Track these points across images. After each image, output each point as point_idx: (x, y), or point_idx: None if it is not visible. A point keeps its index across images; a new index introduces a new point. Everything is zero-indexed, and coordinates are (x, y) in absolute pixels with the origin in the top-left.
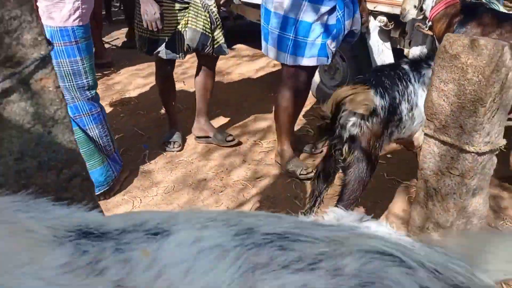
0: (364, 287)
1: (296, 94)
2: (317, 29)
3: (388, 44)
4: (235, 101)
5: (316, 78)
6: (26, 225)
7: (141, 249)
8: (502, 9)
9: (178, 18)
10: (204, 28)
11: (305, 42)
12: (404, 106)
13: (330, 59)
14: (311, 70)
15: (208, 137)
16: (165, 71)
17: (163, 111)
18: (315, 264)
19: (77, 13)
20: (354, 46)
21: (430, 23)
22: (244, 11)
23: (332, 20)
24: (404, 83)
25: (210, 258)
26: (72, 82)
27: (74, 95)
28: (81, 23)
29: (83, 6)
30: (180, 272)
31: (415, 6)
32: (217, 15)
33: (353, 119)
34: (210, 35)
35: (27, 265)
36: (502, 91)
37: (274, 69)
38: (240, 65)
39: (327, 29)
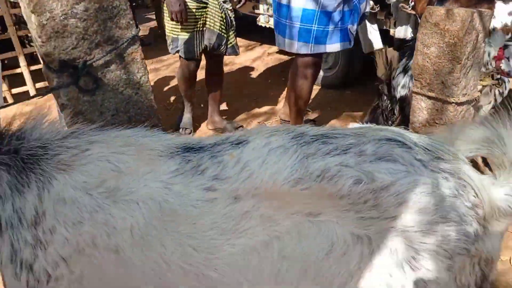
0: (380, 159)
1: (313, 81)
2: (337, 17)
3: (375, 26)
4: (237, 88)
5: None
6: (147, 146)
7: (229, 154)
8: None
9: (196, 17)
10: (220, 28)
11: (327, 31)
12: None
13: (352, 42)
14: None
15: (220, 128)
16: (190, 69)
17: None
18: (347, 150)
19: None
20: None
21: (412, 3)
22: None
23: (350, 6)
24: None
25: (277, 153)
26: None
27: None
28: None
29: None
30: (257, 164)
31: None
32: (232, 16)
33: (402, 81)
34: (225, 35)
35: (149, 173)
36: (474, 51)
37: (268, 58)
38: (238, 56)
39: (347, 15)
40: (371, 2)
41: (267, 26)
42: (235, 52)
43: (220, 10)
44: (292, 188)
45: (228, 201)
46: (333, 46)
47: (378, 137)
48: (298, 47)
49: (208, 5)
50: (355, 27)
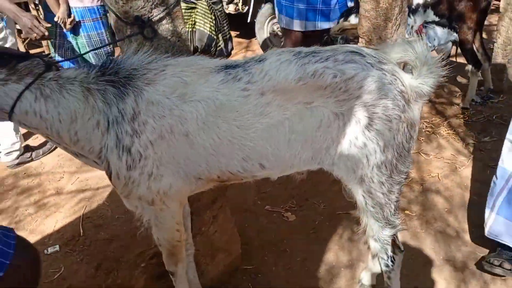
0: (347, 62)
1: None
2: None
3: None
4: None
5: (265, 34)
6: (202, 65)
7: (255, 67)
8: None
9: (185, 18)
10: (210, 29)
11: (329, 9)
12: None
13: None
14: None
15: None
16: None
17: None
18: (327, 58)
19: None
20: None
21: None
22: None
23: None
24: None
25: (285, 64)
26: (101, 49)
27: (101, 59)
28: (101, 3)
29: None
30: (274, 71)
31: None
32: (222, 18)
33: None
34: (215, 37)
35: (204, 83)
36: (401, 13)
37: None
38: None
39: None
40: None
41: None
42: (223, 54)
43: (210, 11)
44: (296, 84)
45: (257, 96)
46: (335, 22)
47: (345, 50)
48: (305, 25)
49: (197, 6)
50: (351, 3)
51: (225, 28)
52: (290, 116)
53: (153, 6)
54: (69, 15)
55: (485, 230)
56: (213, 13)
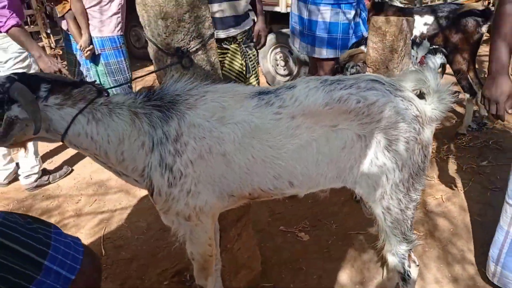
0: (368, 89)
1: None
2: (351, 28)
3: None
4: None
5: (271, 68)
6: (238, 92)
7: (286, 93)
8: (399, 4)
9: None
10: (237, 75)
11: (348, 38)
12: None
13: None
14: None
15: None
16: None
17: None
18: (351, 86)
19: (119, 26)
20: None
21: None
22: None
23: (356, 19)
24: None
25: (313, 90)
26: (120, 76)
27: (121, 87)
28: (121, 33)
29: (122, 21)
30: (303, 97)
31: None
32: (255, 63)
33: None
34: (242, 79)
35: (240, 107)
36: (405, 45)
37: None
38: None
39: (359, 24)
40: None
41: None
42: None
43: (242, 56)
44: (323, 109)
45: (288, 119)
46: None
47: (366, 79)
48: (327, 52)
49: (229, 51)
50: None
51: (256, 70)
52: (317, 137)
53: (191, 38)
54: (89, 44)
55: (489, 276)
56: (244, 58)
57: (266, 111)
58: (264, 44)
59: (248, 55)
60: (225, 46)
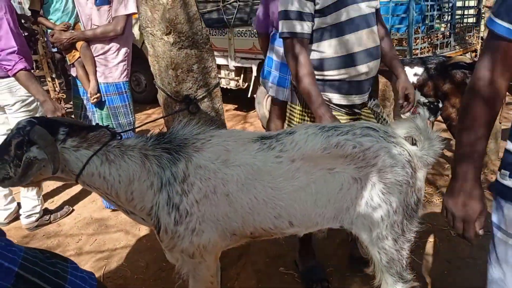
0: (364, 136)
1: None
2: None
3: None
4: None
5: (266, 113)
6: (241, 136)
7: (286, 138)
8: None
9: None
10: None
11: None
12: None
13: None
14: None
15: None
16: None
17: None
18: (347, 132)
19: (125, 72)
20: None
21: None
22: None
23: None
24: None
25: (312, 136)
26: (124, 120)
27: (123, 128)
28: (126, 79)
29: (128, 68)
30: (303, 142)
31: None
32: (387, 121)
33: None
34: None
35: (243, 151)
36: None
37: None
38: None
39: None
40: None
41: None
42: None
43: (376, 118)
44: (321, 153)
45: (288, 162)
46: None
47: (361, 126)
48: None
49: (361, 116)
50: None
51: None
52: (315, 180)
53: (198, 87)
54: (97, 91)
55: None
56: (378, 118)
57: (267, 154)
58: (412, 105)
59: (381, 115)
60: (356, 111)
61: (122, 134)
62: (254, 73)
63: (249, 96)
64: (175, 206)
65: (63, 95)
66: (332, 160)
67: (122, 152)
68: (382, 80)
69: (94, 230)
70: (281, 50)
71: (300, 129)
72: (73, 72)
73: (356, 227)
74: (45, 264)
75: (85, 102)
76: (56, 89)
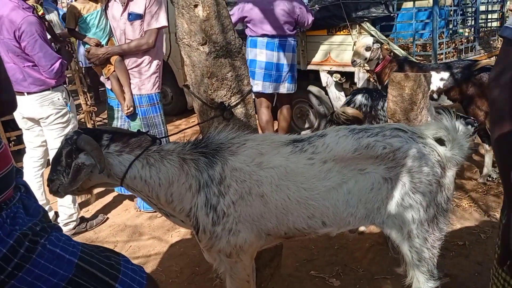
0: (393, 137)
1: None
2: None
3: (342, 93)
4: None
5: (292, 124)
6: (274, 140)
7: (318, 141)
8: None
9: None
10: None
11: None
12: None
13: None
14: None
15: None
16: None
17: None
18: (377, 134)
19: (157, 84)
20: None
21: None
22: None
23: None
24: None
25: (343, 138)
26: (155, 130)
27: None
28: (158, 90)
29: (159, 79)
30: (334, 144)
31: (365, 58)
32: None
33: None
34: None
35: (277, 153)
36: (423, 98)
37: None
38: None
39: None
40: (339, 75)
41: None
42: None
43: None
44: (352, 154)
45: (320, 164)
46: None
47: (391, 127)
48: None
49: None
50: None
51: None
52: (347, 180)
53: (232, 94)
54: (132, 104)
55: None
56: None
57: (300, 156)
58: None
59: None
60: None
61: (161, 139)
62: None
63: (273, 105)
64: (212, 207)
65: (94, 108)
66: (363, 161)
67: (161, 156)
68: (408, 84)
69: (129, 237)
70: (264, 51)
71: (331, 132)
72: (108, 85)
73: (387, 226)
74: (101, 257)
75: (119, 113)
76: (88, 102)
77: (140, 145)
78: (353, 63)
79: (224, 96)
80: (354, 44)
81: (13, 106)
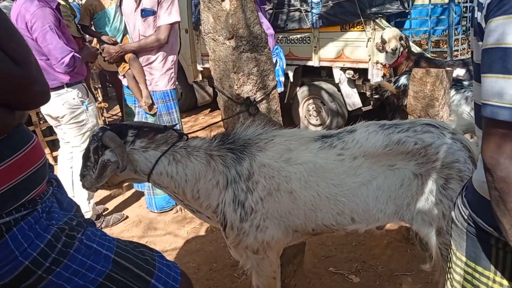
0: (424, 132)
1: None
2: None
3: (355, 90)
4: None
5: (303, 118)
6: (302, 136)
7: (348, 136)
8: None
9: None
10: None
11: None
12: None
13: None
14: None
15: None
16: None
17: None
18: (408, 129)
19: (172, 80)
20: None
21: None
22: None
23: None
24: None
25: (373, 134)
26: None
27: None
28: (173, 87)
29: (174, 76)
30: (364, 140)
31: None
32: None
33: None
34: None
35: (305, 149)
36: (445, 94)
37: None
38: None
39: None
40: (352, 72)
41: None
42: None
43: None
44: (383, 150)
45: (350, 160)
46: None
47: (422, 123)
48: None
49: None
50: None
51: None
52: (377, 176)
53: (257, 89)
54: (150, 100)
55: None
56: None
57: (329, 152)
58: None
59: None
60: None
61: (188, 135)
62: (291, 79)
63: (285, 102)
64: (240, 203)
65: (105, 104)
66: (393, 157)
67: (188, 152)
68: (430, 80)
69: (143, 232)
70: None
71: (361, 127)
72: (124, 82)
73: (416, 223)
74: (136, 252)
75: (136, 109)
76: (99, 98)
77: (167, 141)
78: (395, 51)
79: (250, 91)
80: (368, 41)
81: (47, 97)
